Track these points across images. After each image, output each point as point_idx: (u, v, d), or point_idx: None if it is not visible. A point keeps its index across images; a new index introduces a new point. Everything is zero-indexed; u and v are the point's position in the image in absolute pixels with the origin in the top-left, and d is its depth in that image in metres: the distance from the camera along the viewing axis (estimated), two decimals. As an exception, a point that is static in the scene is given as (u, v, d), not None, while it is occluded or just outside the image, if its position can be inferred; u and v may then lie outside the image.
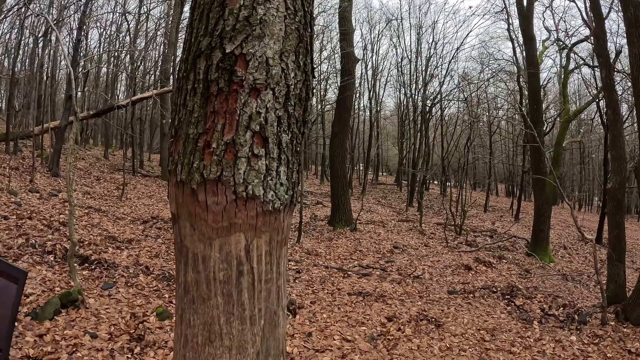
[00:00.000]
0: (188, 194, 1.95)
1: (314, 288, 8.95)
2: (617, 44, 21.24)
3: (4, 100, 35.62)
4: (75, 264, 7.44)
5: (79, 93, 27.16)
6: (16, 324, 5.20)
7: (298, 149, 2.09)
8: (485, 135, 34.88)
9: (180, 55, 2.22)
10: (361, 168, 40.85)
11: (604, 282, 9.17)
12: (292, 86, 1.97)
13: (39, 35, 24.86)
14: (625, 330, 8.14)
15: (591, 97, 22.72)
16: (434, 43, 33.22)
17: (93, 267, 7.93)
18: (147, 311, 6.33)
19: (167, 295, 7.14)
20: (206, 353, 2.02)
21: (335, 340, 6.42)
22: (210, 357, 2.02)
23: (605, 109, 19.78)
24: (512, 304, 9.22)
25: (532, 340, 7.48)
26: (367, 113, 38.67)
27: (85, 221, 10.92)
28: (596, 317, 8.68)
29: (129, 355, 5.08)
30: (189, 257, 2.02)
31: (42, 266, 7.38)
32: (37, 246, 8.08)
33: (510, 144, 40.04)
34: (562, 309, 9.17)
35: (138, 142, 27.13)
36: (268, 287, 2.08)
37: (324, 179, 33.96)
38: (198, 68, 1.90)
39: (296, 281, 9.25)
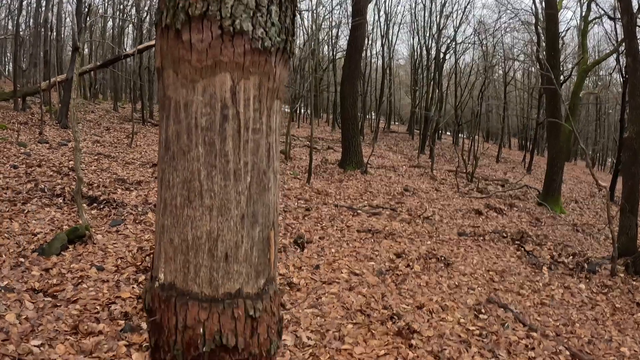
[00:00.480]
0: (172, 37, 1.81)
1: (323, 225, 8.86)
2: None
3: (10, 63, 35.14)
4: (84, 204, 7.45)
5: (86, 46, 26.92)
6: (22, 259, 5.18)
7: None
8: (500, 86, 34.21)
9: None
10: (373, 117, 40.36)
11: (611, 231, 9.00)
12: None
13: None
14: (634, 282, 8.05)
15: (610, 51, 22.02)
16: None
17: (102, 206, 7.90)
18: (154, 244, 6.25)
19: None
20: (184, 216, 1.89)
21: (343, 273, 6.35)
22: (189, 221, 1.88)
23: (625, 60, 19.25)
24: (522, 249, 9.12)
25: (541, 284, 7.40)
26: (380, 61, 37.98)
27: (95, 166, 10.93)
28: (605, 267, 8.58)
29: (134, 285, 5.03)
30: (170, 108, 1.88)
31: (51, 208, 7.35)
32: (45, 190, 8.08)
33: (525, 96, 39.40)
34: (571, 257, 9.08)
35: (147, 93, 26.92)
36: (256, 139, 1.92)
37: (335, 126, 33.66)
38: None
39: (305, 218, 9.14)
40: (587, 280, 7.94)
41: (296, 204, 10.17)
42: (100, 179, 9.62)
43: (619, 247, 8.64)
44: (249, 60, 1.81)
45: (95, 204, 7.96)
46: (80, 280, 4.94)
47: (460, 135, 34.73)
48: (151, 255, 5.84)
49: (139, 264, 5.62)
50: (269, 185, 1.99)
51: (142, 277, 5.23)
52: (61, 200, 7.74)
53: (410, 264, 7.06)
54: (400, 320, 5.02)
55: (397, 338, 4.67)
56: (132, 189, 9.33)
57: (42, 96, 17.67)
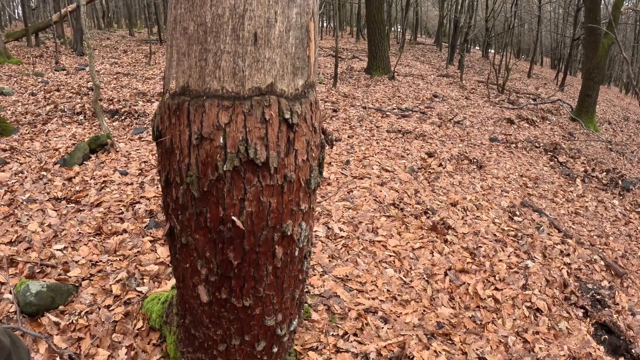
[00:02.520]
0: None
1: (352, 125, 8.56)
2: None
3: (19, 6, 33.83)
4: (105, 118, 7.38)
5: None
6: (44, 172, 5.04)
7: None
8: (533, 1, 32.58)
9: None
10: (399, 29, 38.83)
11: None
12: None
13: None
14: (669, 203, 7.78)
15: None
16: None
17: (123, 118, 7.81)
18: None
19: None
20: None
21: (373, 169, 6.11)
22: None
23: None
24: (555, 159, 8.80)
25: (574, 195, 7.15)
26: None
27: (114, 84, 10.73)
28: (639, 187, 8.30)
29: (159, 186, 4.84)
30: None
31: (72, 125, 7.23)
32: (65, 110, 7.97)
33: (560, 11, 37.64)
34: (605, 173, 8.76)
35: (163, 13, 26.02)
36: None
37: (360, 37, 32.67)
38: None
39: (332, 119, 8.85)
40: (621, 197, 7.68)
41: (323, 106, 9.85)
42: (120, 95, 9.48)
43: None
44: None
45: (116, 117, 7.90)
46: (103, 185, 4.80)
47: (490, 50, 33.49)
48: None
49: None
50: None
51: None
52: (82, 117, 7.64)
53: (443, 163, 6.80)
54: (435, 215, 4.82)
55: (432, 232, 4.48)
56: (153, 100, 9.16)
57: (55, 29, 17.27)
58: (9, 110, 7.94)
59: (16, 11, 39.31)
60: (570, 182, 7.73)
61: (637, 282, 4.95)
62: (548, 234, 5.27)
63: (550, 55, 45.00)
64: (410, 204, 5.03)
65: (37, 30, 18.68)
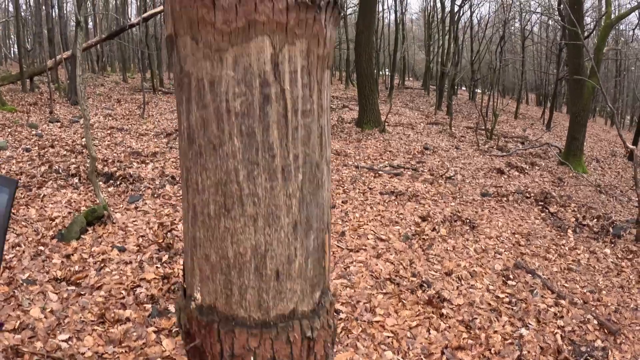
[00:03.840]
0: None
1: (345, 187, 8.77)
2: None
3: (15, 45, 34.66)
4: (100, 182, 7.31)
5: (90, 18, 26.08)
6: (42, 247, 5.09)
7: None
8: (517, 40, 33.45)
9: None
10: (387, 73, 39.62)
11: (638, 195, 8.86)
12: None
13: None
14: (659, 248, 7.96)
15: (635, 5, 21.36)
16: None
17: (118, 182, 7.77)
18: (174, 219, 6.17)
19: None
20: (221, 228, 1.52)
21: (369, 239, 6.28)
22: (228, 234, 1.52)
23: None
24: (546, 210, 9.01)
25: (566, 248, 7.32)
26: (392, 15, 37.11)
27: (108, 141, 10.78)
28: (630, 232, 8.46)
29: (158, 265, 4.97)
30: (191, 88, 1.47)
31: (67, 189, 7.22)
32: (60, 171, 7.93)
33: (543, 50, 38.58)
34: (596, 220, 8.96)
35: (156, 61, 26.57)
36: (307, 124, 1.51)
37: (349, 83, 33.27)
38: None
39: None
40: (612, 245, 7.85)
41: None
42: (114, 154, 9.51)
43: (644, 211, 8.52)
44: (294, 19, 1.40)
45: (111, 181, 7.87)
46: (102, 265, 4.87)
47: (476, 90, 34.20)
48: (172, 231, 5.80)
49: (160, 241, 5.56)
50: (323, 180, 1.64)
51: (165, 256, 5.18)
52: (77, 180, 7.64)
53: (436, 227, 6.99)
54: (430, 288, 4.98)
55: (428, 307, 4.63)
56: (147, 161, 9.21)
57: (50, 75, 17.43)
58: (4, 168, 7.93)
59: (12, 49, 39.81)
60: (561, 234, 7.91)
61: (630, 337, 5.08)
62: (542, 296, 5.43)
63: (535, 92, 45.87)
64: (405, 277, 5.20)
65: (32, 75, 18.87)
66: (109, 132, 11.91)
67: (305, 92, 1.50)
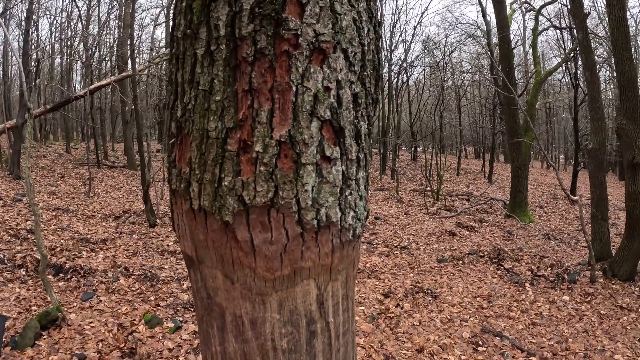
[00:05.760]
0: (217, 229, 1.28)
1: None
2: (585, 8, 21.71)
3: None
4: (49, 275, 6.94)
5: (33, 88, 25.67)
6: None
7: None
8: (451, 100, 34.96)
9: (172, 6, 1.39)
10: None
11: (586, 240, 9.26)
12: (367, 46, 1.30)
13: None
14: (614, 286, 8.26)
15: (557, 58, 22.98)
16: (397, 10, 32.72)
17: (69, 276, 7.37)
18: (134, 319, 5.93)
19: (152, 298, 6.70)
20: None
21: (335, 324, 6.29)
22: None
23: (576, 71, 20.26)
24: (502, 267, 9.25)
25: (527, 303, 7.51)
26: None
27: (54, 224, 10.33)
28: (584, 275, 8.78)
29: None
30: (226, 321, 1.39)
31: (15, 283, 6.83)
32: (6, 261, 7.48)
33: (477, 106, 40.39)
34: (550, 269, 9.25)
35: (100, 132, 26.36)
36: (346, 341, 1.50)
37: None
38: (215, 18, 1.19)
39: None
40: (570, 291, 8.10)
41: None
42: (62, 241, 9.06)
43: (594, 254, 8.86)
44: (338, 258, 1.36)
45: (61, 274, 7.45)
46: None
47: (418, 149, 35.23)
48: (134, 333, 5.63)
49: (122, 345, 5.32)
50: None
51: None
52: (24, 272, 7.23)
53: (400, 302, 7.06)
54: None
55: (406, 390, 4.66)
56: (97, 249, 8.85)
57: None
58: None
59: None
60: (520, 289, 8.12)
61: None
62: (512, 357, 5.53)
63: (473, 145, 47.67)
64: (379, 361, 5.23)
65: (-29, 144, 18.01)
66: (54, 213, 11.31)
67: (345, 316, 1.48)
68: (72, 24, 29.57)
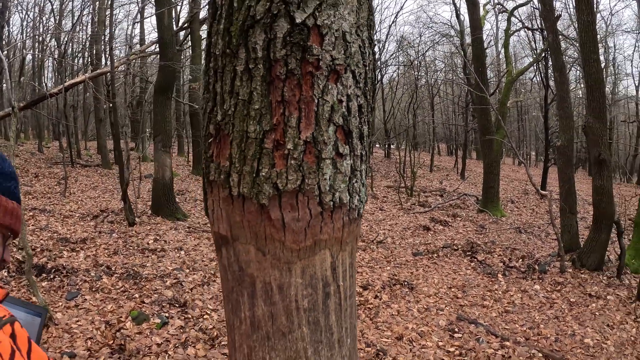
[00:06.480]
0: (254, 211, 1.58)
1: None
2: (556, 10, 22.32)
3: None
4: (33, 276, 6.77)
5: (4, 85, 25.22)
6: None
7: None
8: (425, 98, 35.43)
9: (206, 25, 1.68)
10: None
11: (555, 232, 9.65)
12: (368, 67, 1.65)
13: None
14: (583, 276, 8.64)
15: (529, 57, 23.52)
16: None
17: (52, 276, 7.39)
18: (120, 316, 6.01)
19: (137, 295, 6.75)
20: None
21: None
22: None
23: (547, 70, 20.78)
24: (475, 259, 9.56)
25: (500, 292, 7.81)
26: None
27: (33, 225, 10.29)
28: (554, 265, 9.14)
29: None
30: (256, 288, 1.68)
31: None
32: None
33: (450, 104, 40.98)
34: (521, 260, 9.59)
35: (72, 130, 26.02)
36: (351, 302, 1.81)
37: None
38: (253, 42, 1.49)
39: None
40: (541, 281, 8.43)
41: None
42: (42, 241, 9.05)
43: (563, 246, 9.25)
44: (347, 232, 1.69)
45: (44, 274, 7.45)
46: None
47: (391, 146, 35.61)
48: (121, 330, 5.69)
49: (111, 342, 5.39)
50: (356, 333, 1.92)
51: (120, 359, 5.05)
52: (5, 274, 7.20)
53: (378, 294, 7.30)
54: (387, 355, 5.23)
55: (388, 375, 4.89)
56: (78, 248, 8.84)
57: None
58: None
59: None
60: (493, 279, 8.42)
61: (574, 360, 5.55)
62: (487, 342, 5.79)
63: (446, 142, 48.28)
64: (361, 348, 5.43)
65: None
66: (31, 213, 11.26)
67: (351, 281, 1.79)
68: (44, 19, 29.15)
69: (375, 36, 1.75)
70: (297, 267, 1.63)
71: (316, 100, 1.51)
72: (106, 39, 21.41)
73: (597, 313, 7.09)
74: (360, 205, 1.73)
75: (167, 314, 6.04)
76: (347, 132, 1.60)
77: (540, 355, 5.49)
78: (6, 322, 1.08)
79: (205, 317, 6.01)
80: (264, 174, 1.53)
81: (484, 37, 18.80)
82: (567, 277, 8.56)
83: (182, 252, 8.72)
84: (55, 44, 28.12)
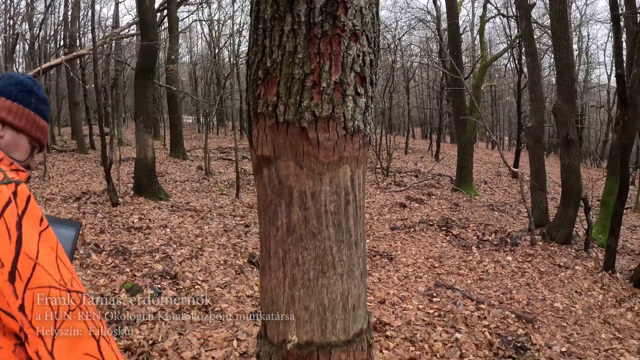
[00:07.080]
0: (295, 133, 2.01)
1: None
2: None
3: None
4: None
5: None
6: None
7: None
8: (400, 82, 35.79)
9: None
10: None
11: (526, 208, 10.13)
12: (376, 33, 2.11)
13: None
14: (552, 248, 9.13)
15: (503, 44, 24.01)
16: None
17: None
18: (114, 289, 6.05)
19: (127, 270, 6.84)
20: (320, 285, 2.11)
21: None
22: (324, 288, 2.12)
23: (521, 57, 21.32)
24: (450, 233, 9.98)
25: (474, 263, 8.23)
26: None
27: None
28: (525, 239, 9.60)
29: (116, 339, 4.84)
30: (293, 197, 2.07)
31: None
32: None
33: (425, 88, 41.43)
34: (494, 234, 10.05)
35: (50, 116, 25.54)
36: (363, 212, 2.22)
37: (243, 133, 32.82)
38: (298, 10, 1.92)
39: (247, 235, 9.31)
40: (512, 253, 8.88)
41: (233, 221, 10.35)
42: None
43: (534, 220, 9.73)
44: (362, 153, 2.12)
45: None
46: None
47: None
48: (117, 302, 5.82)
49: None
50: (365, 242, 2.34)
51: (118, 329, 5.04)
52: None
53: (360, 264, 7.65)
54: (371, 316, 5.58)
55: (375, 333, 5.22)
56: None
57: None
58: None
59: None
60: (467, 251, 8.85)
61: (545, 321, 5.96)
62: (464, 305, 6.19)
63: (420, 126, 48.80)
64: (346, 310, 5.78)
65: None
66: None
67: (363, 194, 2.20)
68: (15, 1, 28.61)
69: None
70: (326, 177, 2.04)
71: (342, 54, 1.96)
72: (83, 21, 21.13)
73: (565, 281, 7.55)
74: (370, 133, 2.16)
75: (159, 285, 6.20)
76: (362, 78, 2.04)
77: (513, 316, 5.90)
78: (11, 182, 1.31)
79: (196, 287, 6.23)
80: (304, 104, 1.96)
81: (460, 23, 19.21)
82: (537, 250, 9.02)
83: (168, 230, 8.90)
84: (27, 27, 27.63)
